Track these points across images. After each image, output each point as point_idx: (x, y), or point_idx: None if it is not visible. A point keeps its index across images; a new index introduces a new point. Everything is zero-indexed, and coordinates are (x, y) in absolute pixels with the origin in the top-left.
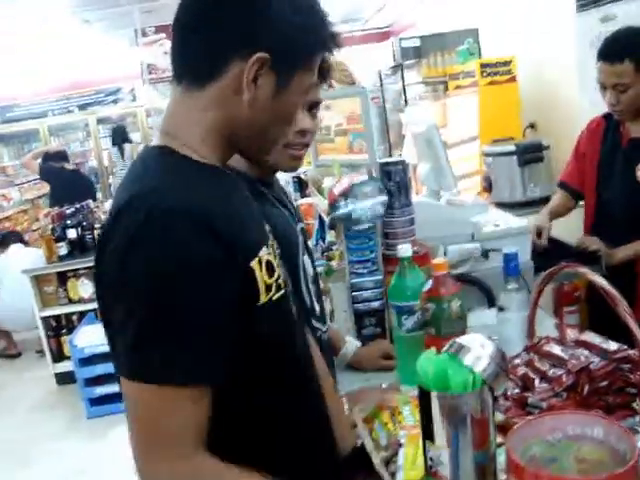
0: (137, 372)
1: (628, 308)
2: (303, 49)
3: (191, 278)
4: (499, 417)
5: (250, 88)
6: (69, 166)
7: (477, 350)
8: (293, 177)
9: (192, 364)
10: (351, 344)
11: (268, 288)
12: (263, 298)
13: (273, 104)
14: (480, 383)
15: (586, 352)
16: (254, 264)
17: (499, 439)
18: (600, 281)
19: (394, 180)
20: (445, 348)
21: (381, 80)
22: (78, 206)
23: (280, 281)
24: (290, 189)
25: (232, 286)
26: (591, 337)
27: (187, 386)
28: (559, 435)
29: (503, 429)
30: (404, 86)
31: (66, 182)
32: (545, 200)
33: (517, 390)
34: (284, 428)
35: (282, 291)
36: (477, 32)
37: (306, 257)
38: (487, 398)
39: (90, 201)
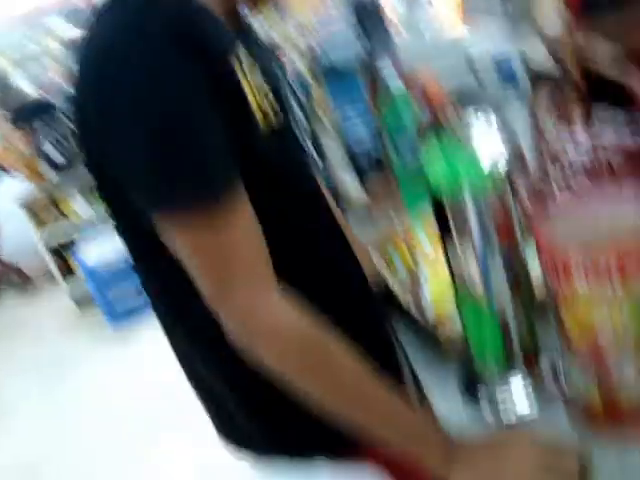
0: (167, 199)
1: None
2: None
3: (176, 88)
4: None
5: None
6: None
7: (486, 141)
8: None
9: (209, 176)
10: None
11: (264, 115)
12: (262, 124)
13: None
14: (496, 176)
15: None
16: (235, 65)
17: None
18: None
19: (370, 21)
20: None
21: None
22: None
23: (277, 111)
24: None
25: (219, 93)
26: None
27: (222, 200)
28: (589, 213)
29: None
30: None
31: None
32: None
33: (537, 187)
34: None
35: (282, 123)
36: None
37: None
38: (506, 191)
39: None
